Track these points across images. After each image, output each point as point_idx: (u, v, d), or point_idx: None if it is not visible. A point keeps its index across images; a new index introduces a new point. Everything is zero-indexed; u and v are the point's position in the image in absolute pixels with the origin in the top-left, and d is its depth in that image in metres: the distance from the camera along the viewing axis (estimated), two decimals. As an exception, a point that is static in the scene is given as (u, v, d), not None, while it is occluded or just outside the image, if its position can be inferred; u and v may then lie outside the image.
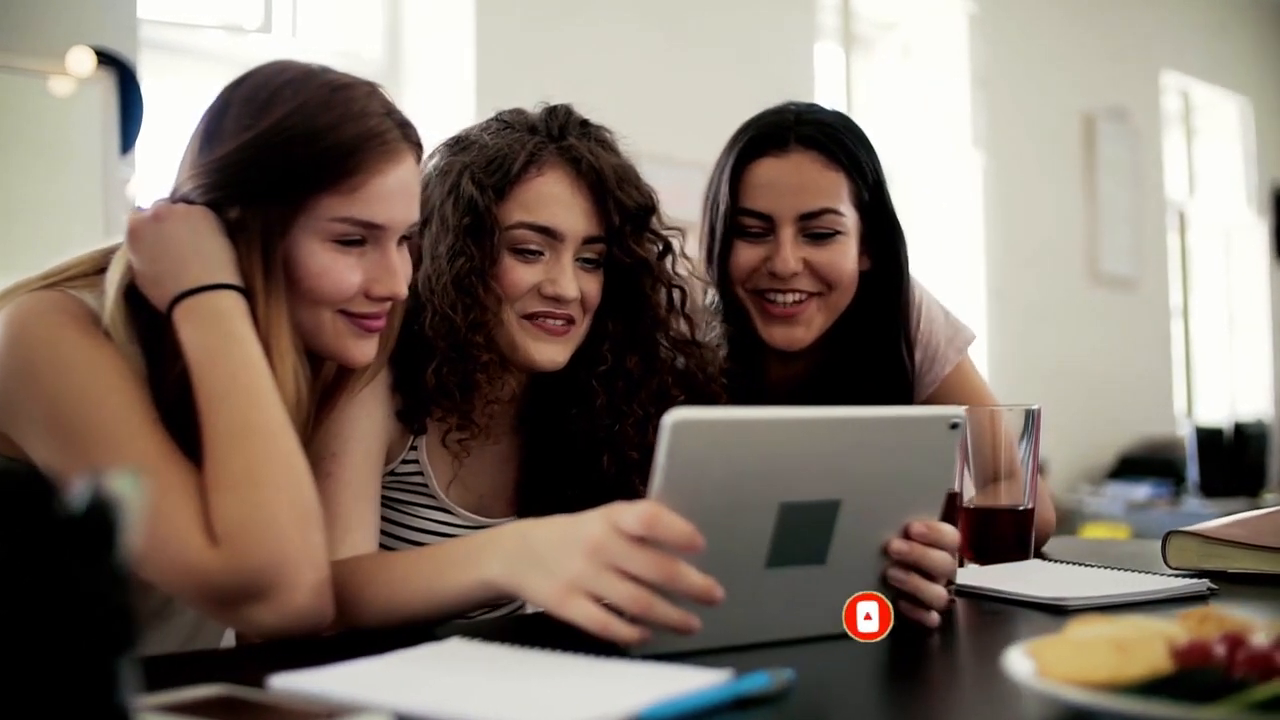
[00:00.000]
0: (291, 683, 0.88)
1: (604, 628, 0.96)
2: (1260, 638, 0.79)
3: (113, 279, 1.19)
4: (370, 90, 1.26)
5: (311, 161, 1.19)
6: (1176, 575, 1.38)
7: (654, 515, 0.95)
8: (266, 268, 1.20)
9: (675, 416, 0.95)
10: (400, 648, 0.99)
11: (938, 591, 1.12)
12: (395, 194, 1.24)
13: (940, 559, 1.11)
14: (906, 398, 1.71)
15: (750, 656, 1.00)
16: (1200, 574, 1.40)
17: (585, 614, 0.97)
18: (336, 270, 1.23)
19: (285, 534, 1.08)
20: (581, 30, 4.40)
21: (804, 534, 1.05)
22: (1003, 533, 1.50)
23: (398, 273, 1.27)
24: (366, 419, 1.36)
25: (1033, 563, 1.48)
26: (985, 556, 1.49)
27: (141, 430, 1.12)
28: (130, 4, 3.59)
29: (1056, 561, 1.53)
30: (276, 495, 1.09)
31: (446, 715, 0.80)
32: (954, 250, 5.69)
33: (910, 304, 1.75)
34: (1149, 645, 0.79)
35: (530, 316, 1.42)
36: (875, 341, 1.71)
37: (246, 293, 1.19)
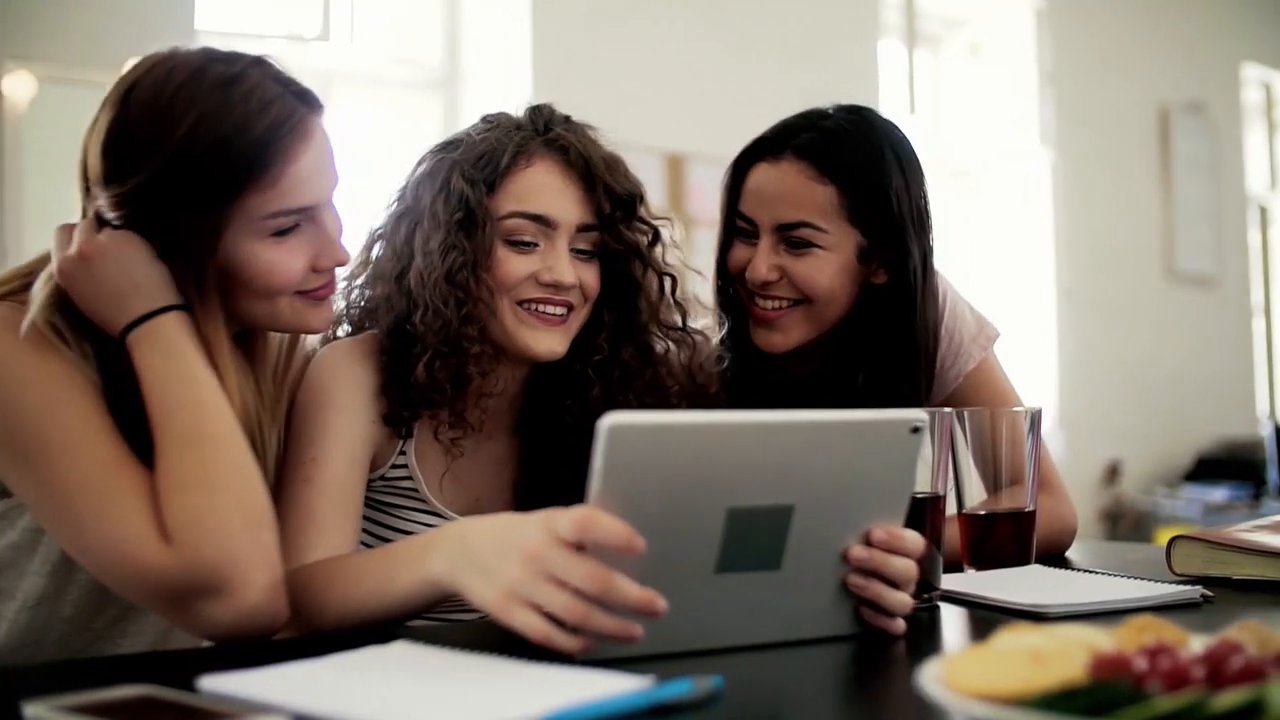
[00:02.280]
0: (219, 684, 0.89)
1: (545, 638, 0.95)
2: (1189, 650, 0.76)
3: (37, 298, 1.19)
4: (260, 71, 1.23)
5: (227, 170, 1.18)
6: (1180, 581, 1.33)
7: (588, 518, 0.94)
8: (199, 285, 1.21)
9: (611, 420, 0.94)
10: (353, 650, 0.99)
11: (900, 599, 1.09)
12: (316, 171, 1.24)
13: (902, 566, 1.08)
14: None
15: (698, 663, 0.98)
16: (1205, 580, 1.35)
17: (526, 623, 0.96)
18: (282, 262, 1.24)
19: (235, 533, 1.10)
20: (638, 32, 4.40)
21: (755, 540, 1.02)
22: (1001, 537, 1.46)
23: (337, 240, 1.29)
24: (349, 424, 1.37)
25: (1031, 568, 1.44)
26: (983, 562, 1.45)
27: (95, 438, 1.13)
28: (188, 16, 3.66)
29: (1063, 568, 1.49)
30: (225, 497, 1.11)
31: (342, 716, 0.80)
32: (1023, 250, 5.60)
33: (923, 322, 1.67)
34: (1067, 656, 0.76)
35: (526, 304, 1.42)
36: (882, 356, 1.65)
37: (189, 306, 1.21)
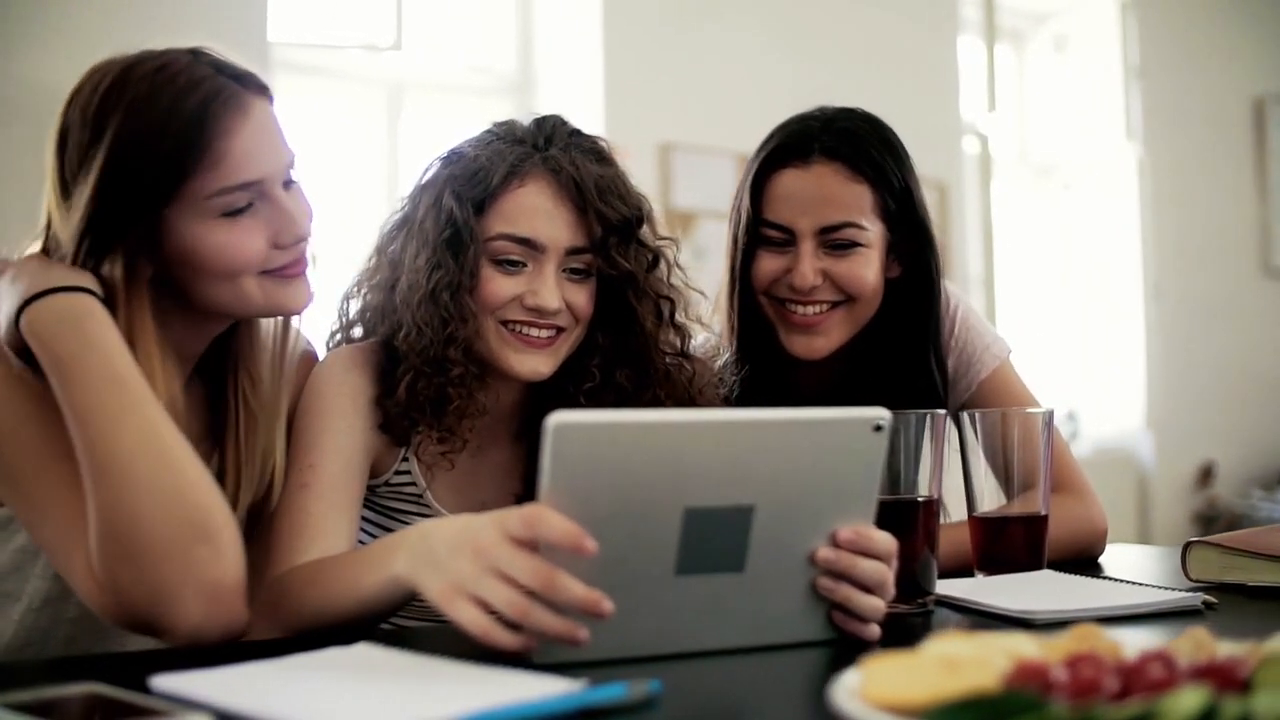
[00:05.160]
0: (169, 684, 0.91)
1: (484, 632, 0.95)
2: (1118, 660, 0.73)
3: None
4: (191, 57, 1.22)
5: (166, 154, 1.17)
6: (1197, 588, 1.29)
7: (536, 515, 0.95)
8: (129, 272, 1.20)
9: (556, 419, 0.94)
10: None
11: (872, 603, 1.06)
12: (258, 146, 1.22)
13: (871, 568, 1.06)
14: (938, 403, 1.64)
15: (653, 668, 0.97)
16: (1221, 587, 1.31)
17: (467, 617, 0.96)
18: (235, 241, 1.22)
19: (158, 562, 1.08)
20: (710, 34, 4.39)
21: (716, 541, 1.01)
22: (1012, 542, 1.43)
23: (295, 215, 1.26)
24: (347, 431, 1.38)
25: (1041, 573, 1.40)
26: (993, 566, 1.42)
27: (49, 464, 1.14)
28: (260, 28, 3.73)
29: (1089, 573, 1.45)
30: (143, 523, 1.08)
31: (261, 714, 0.81)
32: (1110, 247, 5.48)
33: (942, 311, 1.69)
34: (985, 665, 0.74)
35: (510, 324, 1.41)
36: (903, 348, 1.66)
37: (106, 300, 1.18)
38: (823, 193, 1.59)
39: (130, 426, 1.11)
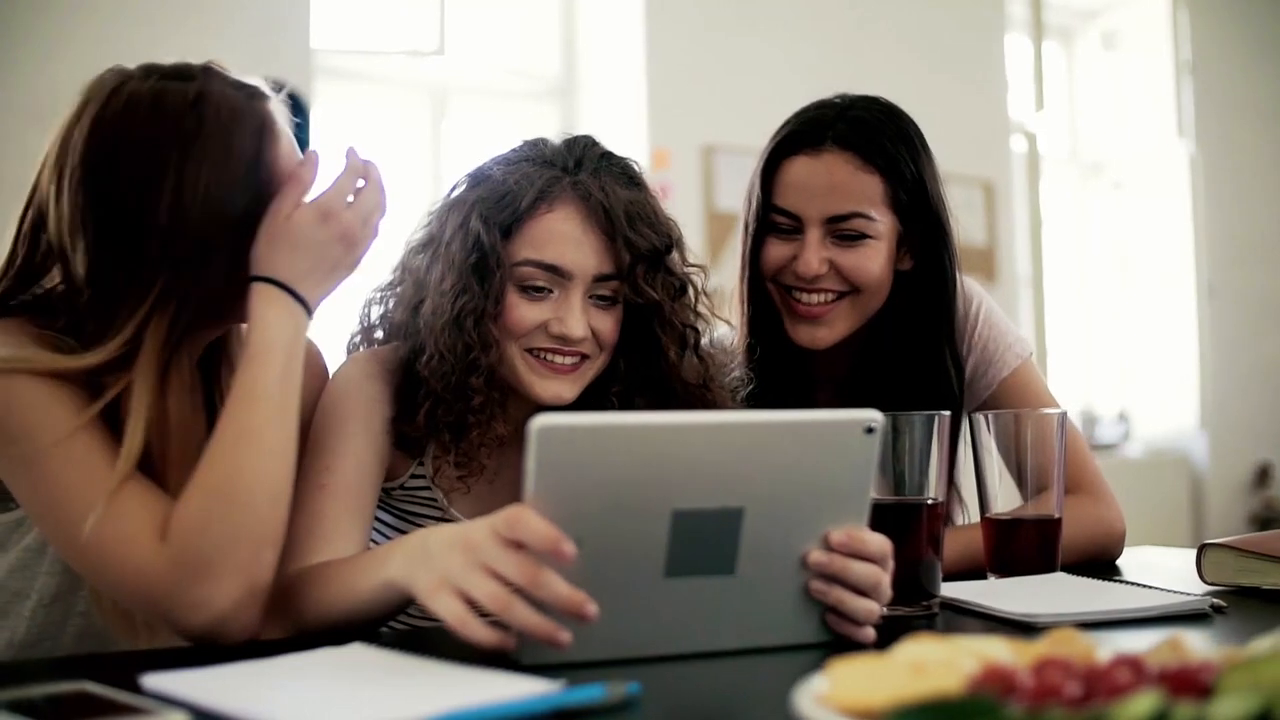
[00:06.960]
0: (159, 682, 0.92)
1: (460, 623, 0.96)
2: (1089, 665, 0.72)
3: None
4: (220, 81, 1.25)
5: (234, 206, 1.21)
6: (1214, 592, 1.27)
7: (517, 516, 0.95)
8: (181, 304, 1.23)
9: (540, 421, 0.94)
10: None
11: (865, 605, 1.06)
12: (287, 164, 1.27)
13: (863, 571, 1.05)
14: (952, 398, 1.63)
15: (641, 669, 0.97)
16: (1237, 590, 1.28)
17: (447, 609, 0.97)
18: None
19: (235, 542, 1.13)
20: (751, 38, 4.38)
21: (705, 543, 1.01)
22: (1024, 544, 1.41)
23: None
24: (363, 434, 1.38)
25: (1053, 576, 1.38)
26: (1005, 569, 1.40)
27: (83, 435, 1.16)
28: (303, 35, 3.78)
29: (1108, 575, 1.43)
30: (244, 511, 1.14)
31: (244, 714, 0.82)
32: (1162, 245, 5.40)
33: (964, 309, 1.68)
34: (952, 668, 0.73)
35: (535, 351, 1.40)
36: (915, 341, 1.64)
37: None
38: (832, 181, 1.58)
39: (281, 426, 1.20)
